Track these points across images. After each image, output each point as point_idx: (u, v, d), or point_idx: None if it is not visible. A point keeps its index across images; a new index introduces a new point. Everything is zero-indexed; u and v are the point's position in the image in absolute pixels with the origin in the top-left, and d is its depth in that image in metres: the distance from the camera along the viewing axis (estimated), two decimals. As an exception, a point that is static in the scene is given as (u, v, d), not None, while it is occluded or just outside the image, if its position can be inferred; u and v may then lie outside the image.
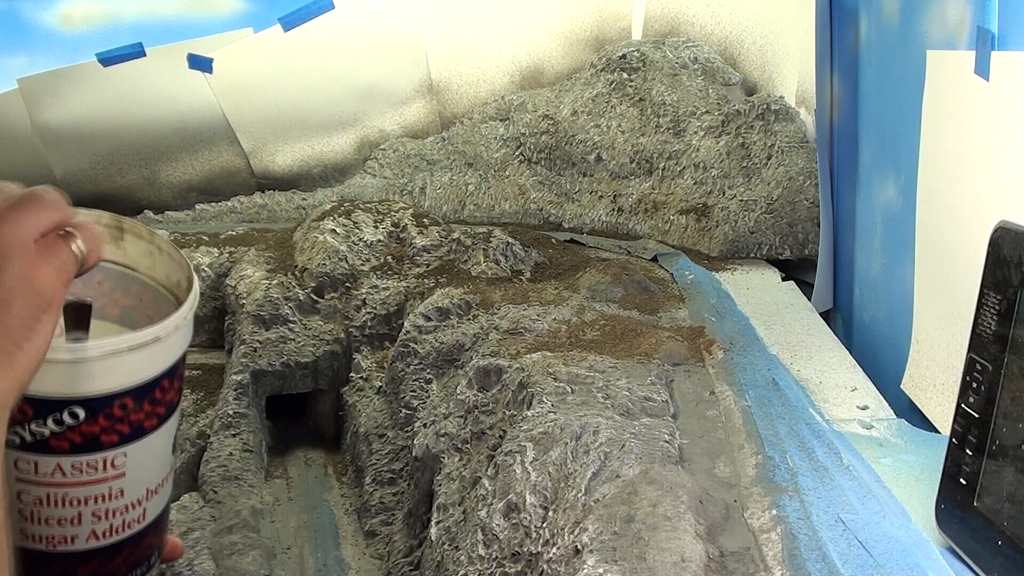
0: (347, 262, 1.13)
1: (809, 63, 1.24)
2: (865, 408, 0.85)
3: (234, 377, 1.08)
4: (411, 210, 1.22)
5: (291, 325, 1.09)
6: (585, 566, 0.52)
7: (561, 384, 0.80)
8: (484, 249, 1.16)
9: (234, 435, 1.09)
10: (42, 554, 0.53)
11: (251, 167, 1.38)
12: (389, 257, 1.16)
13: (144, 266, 0.59)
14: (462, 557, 0.72)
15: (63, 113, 1.32)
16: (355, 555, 1.07)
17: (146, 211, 1.41)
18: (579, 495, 0.62)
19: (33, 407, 0.49)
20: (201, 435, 1.11)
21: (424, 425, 0.98)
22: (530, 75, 1.40)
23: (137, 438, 0.52)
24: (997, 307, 0.56)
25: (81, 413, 0.50)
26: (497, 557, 0.63)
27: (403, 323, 1.08)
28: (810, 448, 0.69)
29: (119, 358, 0.49)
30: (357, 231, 1.17)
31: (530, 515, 0.65)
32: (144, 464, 0.54)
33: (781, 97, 1.32)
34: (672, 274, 1.16)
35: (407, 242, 1.17)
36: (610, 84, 1.36)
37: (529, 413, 0.77)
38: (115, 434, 0.51)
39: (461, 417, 0.91)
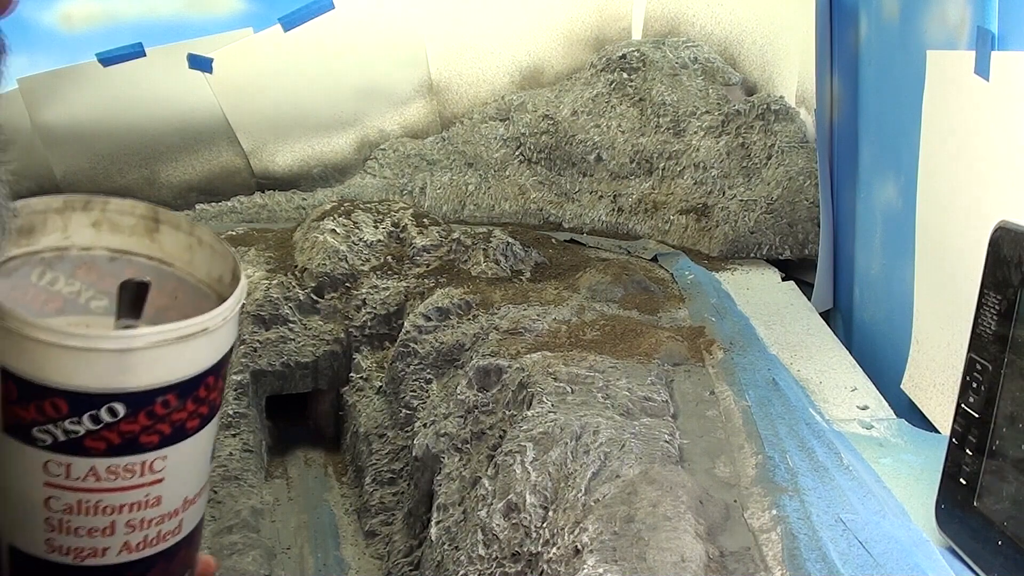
0: (347, 262, 1.13)
1: (809, 63, 1.24)
2: (865, 408, 0.85)
3: (234, 377, 1.08)
4: (411, 210, 1.22)
5: (291, 325, 1.09)
6: (585, 566, 0.52)
7: (561, 384, 0.80)
8: (484, 249, 1.16)
9: (234, 435, 1.09)
10: (67, 568, 0.48)
11: (251, 167, 1.38)
12: (389, 257, 1.16)
13: (182, 261, 0.54)
14: (462, 557, 0.72)
15: (63, 113, 1.32)
16: (355, 555, 1.07)
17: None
18: (579, 495, 0.62)
19: (68, 402, 0.44)
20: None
21: (424, 425, 0.98)
22: (530, 75, 1.40)
23: (178, 440, 0.47)
24: (997, 307, 0.56)
25: (121, 410, 0.45)
26: (497, 557, 0.63)
27: (403, 323, 1.08)
28: (810, 448, 0.69)
29: (165, 349, 0.44)
30: (357, 231, 1.17)
31: (530, 515, 0.65)
32: (184, 469, 0.48)
33: (781, 97, 1.32)
34: (672, 274, 1.16)
35: (407, 242, 1.17)
36: (610, 84, 1.36)
37: (529, 413, 0.77)
38: (155, 434, 0.46)
39: (461, 417, 0.91)
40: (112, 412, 0.45)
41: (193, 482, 0.49)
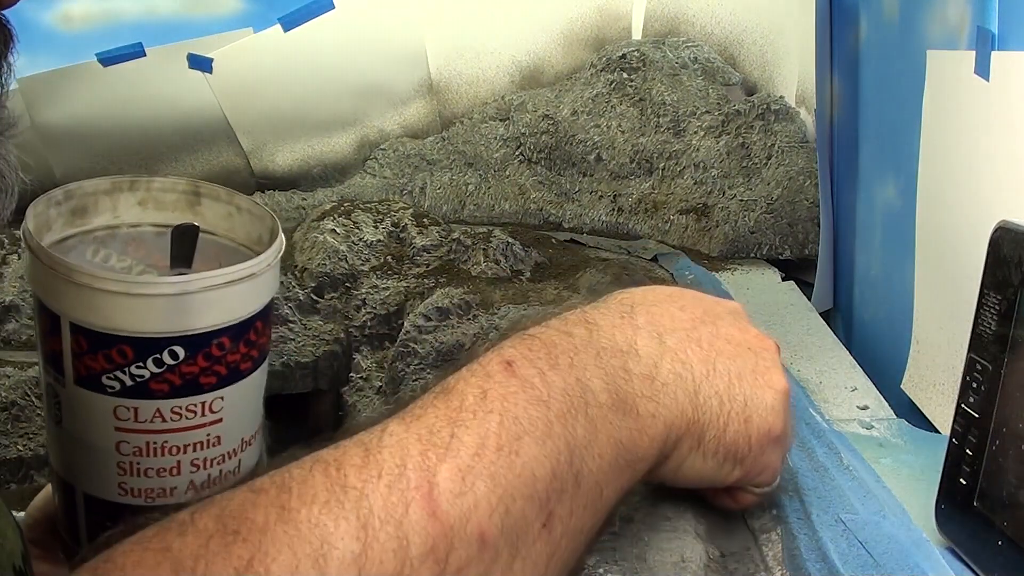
0: (347, 262, 1.13)
1: (809, 63, 1.24)
2: (865, 408, 0.85)
3: (234, 377, 1.08)
4: (411, 210, 1.22)
5: (291, 325, 1.09)
6: (585, 566, 0.52)
7: (561, 384, 0.80)
8: (484, 249, 1.16)
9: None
10: (139, 508, 0.53)
11: (251, 167, 1.37)
12: (389, 257, 1.16)
13: (223, 228, 0.60)
14: (462, 557, 0.72)
15: (63, 113, 1.32)
16: (355, 555, 1.07)
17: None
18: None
19: (134, 348, 0.50)
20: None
21: (424, 425, 0.97)
22: (530, 75, 1.40)
23: (234, 381, 0.53)
24: (997, 307, 0.56)
25: (181, 352, 0.50)
26: (497, 557, 0.63)
27: (403, 323, 1.08)
28: (810, 448, 0.69)
29: (217, 292, 0.50)
30: (357, 231, 1.17)
31: (530, 515, 0.64)
32: (240, 410, 0.54)
33: (781, 97, 1.32)
34: (672, 274, 1.16)
35: (407, 242, 1.17)
36: (610, 84, 1.36)
37: (529, 413, 0.77)
38: (213, 375, 0.52)
39: (461, 417, 0.91)
40: (173, 355, 0.50)
41: (248, 423, 0.55)
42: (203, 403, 0.52)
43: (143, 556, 0.34)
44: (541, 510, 0.39)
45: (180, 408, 0.51)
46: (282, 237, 0.55)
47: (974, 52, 0.74)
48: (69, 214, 0.56)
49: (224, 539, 0.34)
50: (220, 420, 0.53)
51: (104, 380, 0.50)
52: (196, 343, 0.50)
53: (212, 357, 0.51)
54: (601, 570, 0.51)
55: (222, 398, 0.52)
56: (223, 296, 0.50)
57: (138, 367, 0.49)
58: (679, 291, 0.53)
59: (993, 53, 0.72)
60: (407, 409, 0.41)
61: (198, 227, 0.58)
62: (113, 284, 0.48)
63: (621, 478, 0.44)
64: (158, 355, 0.49)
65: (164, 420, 0.51)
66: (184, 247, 0.58)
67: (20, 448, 0.84)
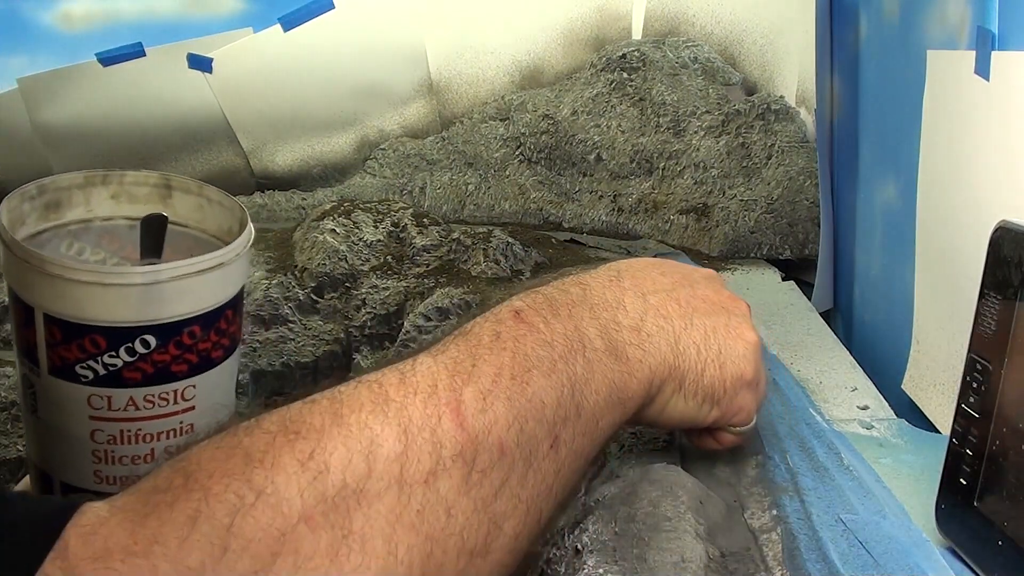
0: (347, 262, 1.13)
1: (809, 63, 1.24)
2: (865, 408, 0.85)
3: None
4: (411, 210, 1.22)
5: (291, 325, 1.09)
6: (585, 566, 0.52)
7: (561, 384, 0.80)
8: (484, 249, 1.16)
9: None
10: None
11: (251, 167, 1.37)
12: (389, 257, 1.16)
13: (194, 220, 0.60)
14: (462, 557, 0.72)
15: (63, 113, 1.32)
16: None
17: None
18: (579, 495, 0.62)
19: (106, 337, 0.50)
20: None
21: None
22: (530, 75, 1.40)
23: (205, 369, 0.54)
24: (997, 307, 0.56)
25: (153, 341, 0.51)
26: (497, 557, 0.63)
27: (403, 323, 1.08)
28: (810, 448, 0.69)
29: (187, 282, 0.51)
30: (357, 231, 1.17)
31: (530, 515, 0.65)
32: (212, 398, 0.55)
33: (781, 97, 1.32)
34: (672, 274, 1.16)
35: (407, 242, 1.17)
36: (610, 84, 1.36)
37: (529, 413, 0.77)
38: (185, 364, 0.53)
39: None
40: (145, 344, 0.51)
41: (222, 411, 0.57)
42: (175, 391, 0.52)
43: (216, 452, 0.40)
44: (549, 433, 0.47)
45: (153, 396, 0.52)
46: (251, 228, 0.56)
47: (974, 52, 0.74)
48: (43, 208, 0.57)
49: (287, 437, 0.40)
50: (192, 408, 0.53)
51: (78, 369, 0.50)
52: (167, 332, 0.51)
53: (183, 346, 0.52)
54: (601, 570, 0.51)
55: (194, 386, 0.53)
56: (193, 285, 0.51)
57: (111, 356, 0.50)
58: (660, 260, 0.61)
59: (993, 53, 0.72)
60: (433, 346, 0.48)
61: (166, 217, 0.58)
62: (85, 275, 0.49)
63: (614, 413, 0.52)
64: (130, 344, 0.50)
65: (137, 408, 0.52)
66: (153, 237, 0.58)
67: (20, 448, 0.84)
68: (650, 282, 0.57)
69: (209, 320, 0.53)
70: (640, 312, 0.55)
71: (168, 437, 0.54)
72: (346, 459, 0.40)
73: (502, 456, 0.44)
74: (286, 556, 0.37)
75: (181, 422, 0.54)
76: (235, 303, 0.55)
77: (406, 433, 0.41)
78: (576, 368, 0.49)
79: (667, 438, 0.71)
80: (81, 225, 0.59)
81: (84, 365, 0.51)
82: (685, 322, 0.56)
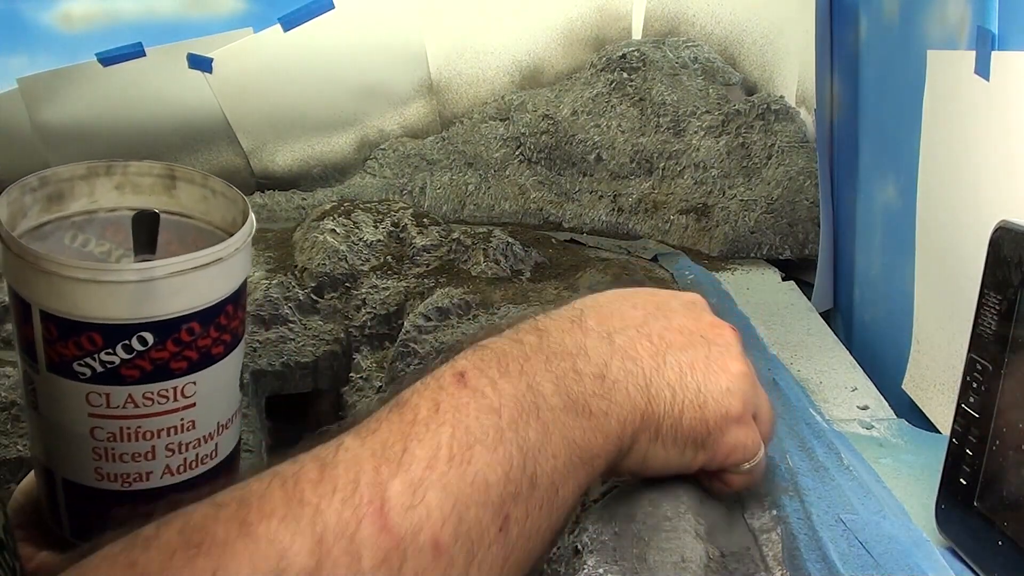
0: (347, 262, 1.13)
1: (809, 63, 1.24)
2: (865, 408, 0.85)
3: (234, 377, 1.08)
4: (411, 210, 1.22)
5: (291, 325, 1.09)
6: (585, 566, 0.52)
7: (561, 384, 0.80)
8: (484, 249, 1.16)
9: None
10: (116, 493, 0.53)
11: (251, 167, 1.38)
12: (389, 257, 1.16)
13: (199, 211, 0.60)
14: (462, 557, 0.72)
15: (63, 113, 1.32)
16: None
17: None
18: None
19: (102, 334, 0.50)
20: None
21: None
22: (530, 75, 1.40)
23: (206, 366, 0.53)
24: (997, 307, 0.56)
25: (150, 338, 0.50)
26: (497, 557, 0.63)
27: (403, 323, 1.08)
28: (810, 448, 0.69)
29: (184, 277, 0.51)
30: (357, 231, 1.17)
31: (530, 515, 0.65)
32: (213, 395, 0.55)
33: (781, 97, 1.32)
34: (672, 274, 1.16)
35: (407, 242, 1.17)
36: (610, 84, 1.36)
37: (529, 413, 0.77)
38: (184, 360, 0.52)
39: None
40: (142, 341, 0.50)
41: (224, 408, 0.56)
42: (175, 388, 0.52)
43: (111, 571, 0.35)
44: (496, 515, 0.41)
45: (152, 393, 0.51)
46: (252, 220, 0.55)
47: (974, 52, 0.74)
48: (45, 200, 0.57)
49: (187, 553, 0.35)
50: (193, 405, 0.53)
51: (75, 367, 0.50)
52: (165, 329, 0.50)
53: (182, 342, 0.51)
54: (601, 570, 0.51)
55: (194, 383, 0.52)
56: (190, 281, 0.50)
57: (107, 354, 0.50)
58: (633, 290, 0.55)
59: (993, 53, 0.72)
60: (363, 423, 0.42)
61: (158, 214, 0.58)
62: (79, 272, 0.49)
63: (577, 476, 0.46)
64: (127, 341, 0.50)
65: (136, 405, 0.51)
66: (145, 233, 0.58)
67: (20, 448, 0.84)
68: (618, 319, 0.52)
69: (208, 316, 0.52)
70: (605, 357, 0.49)
71: (169, 434, 0.54)
72: None
73: (437, 556, 0.39)
74: None
75: (182, 419, 0.53)
76: (236, 298, 0.54)
77: (320, 544, 0.36)
78: (529, 433, 0.44)
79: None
80: (85, 216, 0.59)
81: (81, 362, 0.50)
82: (658, 361, 0.51)
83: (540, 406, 0.45)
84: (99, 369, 0.50)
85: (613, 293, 0.55)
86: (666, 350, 0.52)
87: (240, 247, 0.53)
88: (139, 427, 0.52)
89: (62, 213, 0.58)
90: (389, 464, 0.40)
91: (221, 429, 0.55)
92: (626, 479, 0.58)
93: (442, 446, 0.41)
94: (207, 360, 0.53)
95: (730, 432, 0.53)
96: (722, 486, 0.57)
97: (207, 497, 0.38)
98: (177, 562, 0.35)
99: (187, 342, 0.51)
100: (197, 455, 0.54)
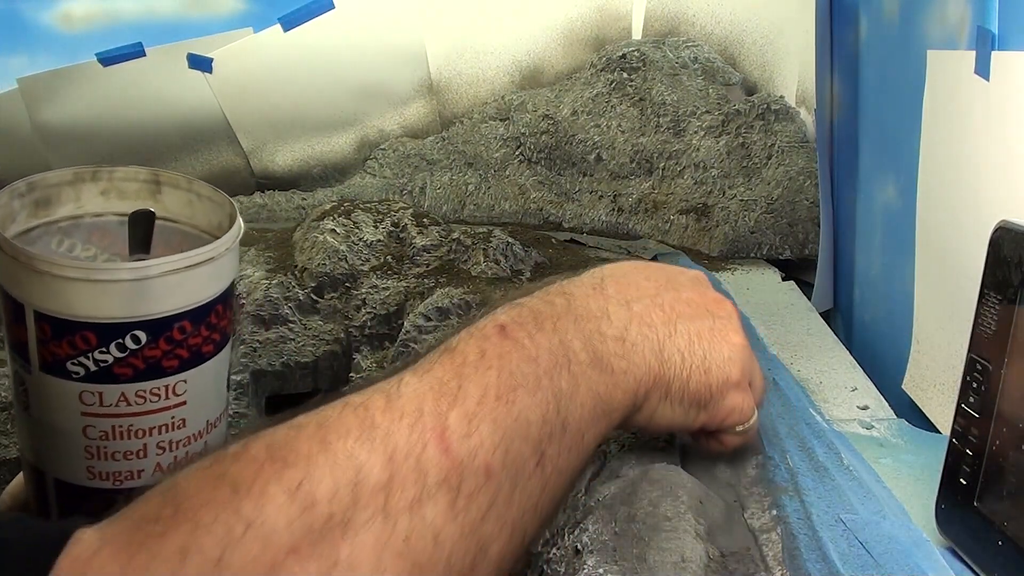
0: (347, 262, 1.13)
1: (809, 63, 1.24)
2: (865, 408, 0.85)
3: (234, 377, 1.08)
4: (411, 210, 1.22)
5: (291, 325, 1.09)
6: (585, 566, 0.52)
7: (561, 384, 0.79)
8: (484, 249, 1.16)
9: (234, 435, 1.09)
10: (107, 492, 0.54)
11: (251, 167, 1.37)
12: (389, 257, 1.16)
13: (184, 215, 0.60)
14: (462, 557, 0.72)
15: (63, 113, 1.32)
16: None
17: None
18: (579, 495, 0.62)
19: (96, 333, 0.50)
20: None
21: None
22: (530, 75, 1.40)
23: (196, 364, 0.54)
24: (997, 307, 0.56)
25: (143, 336, 0.51)
26: (497, 557, 0.63)
27: (403, 323, 1.08)
28: (810, 448, 0.69)
29: (176, 276, 0.51)
30: (357, 231, 1.17)
31: (530, 515, 0.65)
32: (203, 393, 0.55)
33: (781, 97, 1.32)
34: (672, 274, 1.16)
35: (407, 242, 1.17)
36: (610, 84, 1.36)
37: (529, 413, 0.77)
38: (176, 359, 0.53)
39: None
40: (135, 339, 0.51)
41: (213, 406, 0.56)
42: (166, 386, 0.53)
43: (204, 481, 0.40)
44: (535, 451, 0.47)
45: (144, 392, 0.52)
46: (240, 222, 0.56)
47: (974, 52, 0.74)
48: (33, 205, 0.57)
49: (274, 465, 0.40)
50: (184, 403, 0.53)
51: (69, 366, 0.50)
52: (157, 327, 0.51)
53: (174, 341, 0.52)
54: (601, 570, 0.51)
55: (185, 381, 0.53)
56: (182, 280, 0.51)
57: (101, 352, 0.50)
58: (645, 263, 0.61)
59: (993, 53, 0.72)
60: (417, 364, 0.48)
61: (154, 213, 0.58)
62: (74, 271, 0.49)
63: (599, 425, 0.52)
64: (120, 340, 0.50)
65: (129, 404, 0.52)
66: (141, 233, 0.58)
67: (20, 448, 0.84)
68: (634, 289, 0.57)
69: (199, 315, 0.53)
70: (624, 322, 0.55)
71: (160, 432, 0.54)
72: (333, 489, 0.40)
73: (488, 479, 0.44)
74: None
75: (173, 417, 0.54)
76: (225, 298, 0.55)
77: (392, 461, 0.41)
78: (561, 383, 0.49)
79: (667, 438, 0.71)
80: (71, 221, 0.59)
81: (75, 361, 0.51)
82: (669, 329, 0.56)
83: (571, 360, 0.50)
84: (92, 368, 0.50)
85: (628, 264, 0.60)
86: (676, 319, 0.57)
87: (230, 247, 0.54)
88: (131, 425, 0.52)
89: (49, 218, 0.58)
90: (447, 398, 0.45)
91: (210, 427, 0.56)
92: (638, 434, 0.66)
93: (490, 386, 0.46)
94: (198, 359, 0.53)
95: (729, 396, 0.59)
96: (718, 445, 0.63)
97: (284, 421, 0.43)
98: (266, 472, 0.39)
99: (179, 340, 0.52)
100: (187, 453, 0.55)
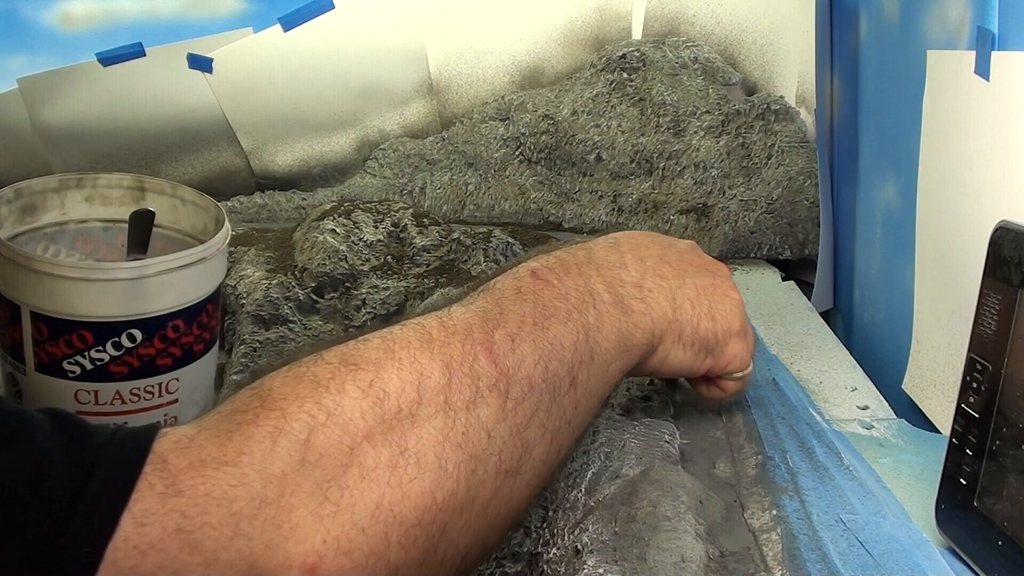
0: (347, 262, 1.13)
1: (809, 63, 1.24)
2: (865, 408, 0.85)
3: (234, 377, 1.07)
4: (411, 210, 1.22)
5: (291, 325, 1.09)
6: (585, 566, 0.52)
7: (561, 384, 0.80)
8: (484, 249, 1.16)
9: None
10: None
11: (251, 167, 1.38)
12: (389, 257, 1.16)
13: (168, 220, 0.62)
14: (462, 557, 0.72)
15: (63, 113, 1.32)
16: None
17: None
18: (579, 495, 0.62)
19: (93, 332, 0.51)
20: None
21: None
22: (530, 75, 1.40)
23: (188, 362, 0.55)
24: (997, 307, 0.56)
25: (139, 335, 0.52)
26: (497, 557, 0.63)
27: (403, 323, 1.08)
28: (810, 448, 0.69)
29: (171, 276, 0.53)
30: (357, 231, 1.17)
31: (530, 516, 0.65)
32: (194, 391, 0.57)
33: (781, 97, 1.32)
34: (672, 274, 1.16)
35: (407, 242, 1.17)
36: (610, 84, 1.36)
37: (529, 413, 0.77)
38: (169, 357, 0.54)
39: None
40: (131, 338, 0.52)
41: (203, 405, 0.57)
42: (160, 384, 0.53)
43: (287, 379, 0.46)
44: (568, 372, 0.53)
45: (138, 390, 0.53)
46: (228, 224, 0.57)
47: (974, 52, 0.75)
48: (20, 212, 0.58)
49: (348, 367, 0.46)
50: (176, 401, 0.54)
51: (65, 365, 0.51)
52: (152, 326, 0.52)
53: (167, 339, 0.53)
54: (601, 570, 0.51)
55: (178, 379, 0.54)
56: (177, 280, 0.52)
57: (98, 351, 0.51)
58: (647, 232, 0.69)
59: (993, 53, 0.72)
60: (461, 300, 0.55)
61: (153, 213, 0.59)
62: (72, 271, 0.50)
63: (622, 359, 0.58)
64: (117, 339, 0.51)
65: (123, 402, 0.53)
66: (140, 232, 0.59)
67: (20, 448, 0.84)
68: (644, 248, 0.64)
69: (191, 314, 0.54)
70: (640, 271, 0.61)
71: None
72: (400, 387, 0.46)
73: (531, 389, 0.50)
74: (353, 468, 0.43)
75: (166, 415, 0.55)
76: (215, 298, 0.56)
77: (448, 367, 0.48)
78: (588, 318, 0.55)
79: (667, 438, 0.71)
80: (56, 228, 0.60)
81: (71, 361, 0.52)
82: (679, 281, 0.63)
83: (596, 299, 0.57)
84: (89, 367, 0.51)
85: (634, 232, 0.68)
86: (683, 274, 0.63)
87: (221, 248, 0.55)
88: (125, 423, 0.53)
89: (35, 224, 0.59)
90: (491, 321, 0.51)
91: None
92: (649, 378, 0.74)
93: (527, 314, 0.53)
94: (189, 357, 0.54)
95: (731, 343, 0.65)
96: (718, 391, 0.70)
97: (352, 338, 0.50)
98: (342, 372, 0.46)
99: (172, 339, 0.53)
100: None
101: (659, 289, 0.61)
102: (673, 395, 0.77)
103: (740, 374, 0.68)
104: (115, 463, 0.39)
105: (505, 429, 0.49)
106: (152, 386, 0.54)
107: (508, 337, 0.51)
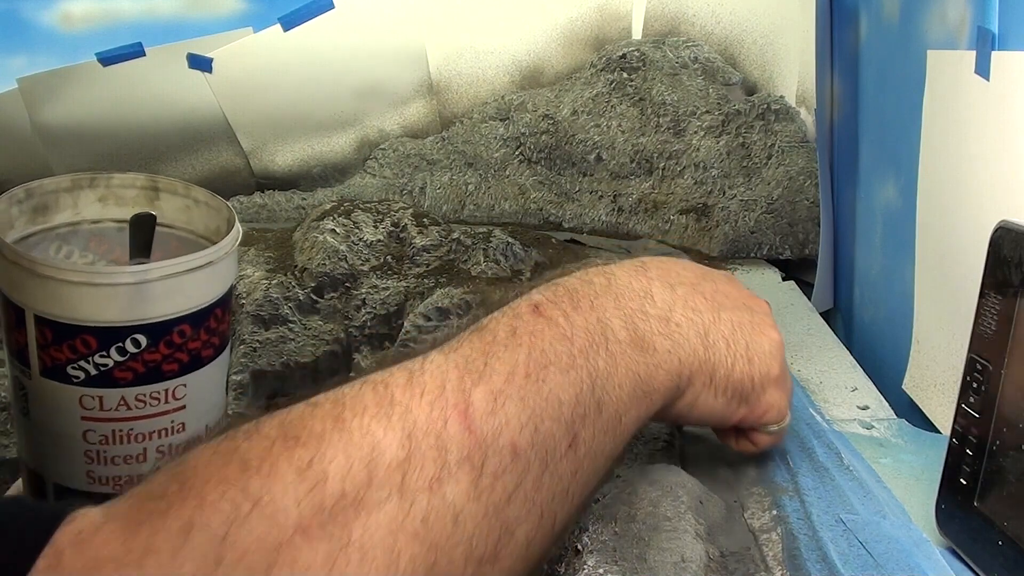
0: (347, 262, 1.13)
1: (809, 63, 1.24)
2: (865, 408, 0.85)
3: (234, 377, 1.08)
4: (411, 210, 1.22)
5: (291, 325, 1.09)
6: (585, 566, 0.52)
7: (561, 384, 0.79)
8: (484, 249, 1.16)
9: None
10: (107, 497, 0.54)
11: (251, 167, 1.37)
12: (389, 257, 1.16)
13: (181, 221, 0.61)
14: (462, 557, 0.72)
15: (63, 113, 1.32)
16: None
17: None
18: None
19: (97, 337, 0.51)
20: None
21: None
22: (530, 75, 1.40)
23: (196, 368, 0.54)
24: (997, 307, 0.56)
25: (143, 340, 0.52)
26: (497, 557, 0.63)
27: (403, 323, 1.08)
28: (810, 448, 0.69)
29: (176, 280, 0.52)
30: (357, 231, 1.17)
31: (530, 515, 0.65)
32: (203, 397, 0.56)
33: (781, 97, 1.32)
34: (672, 274, 1.16)
35: (407, 242, 1.17)
36: (610, 84, 1.36)
37: (529, 413, 0.77)
38: (175, 363, 0.53)
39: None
40: (136, 343, 0.51)
41: (212, 410, 0.57)
42: (166, 390, 0.53)
43: (213, 458, 0.39)
44: (567, 432, 0.45)
45: (144, 396, 0.52)
46: (239, 227, 0.56)
47: (974, 52, 0.74)
48: (31, 212, 0.57)
49: (286, 443, 0.39)
50: (183, 407, 0.54)
51: (69, 370, 0.51)
52: (158, 331, 0.51)
53: (173, 344, 0.52)
54: (601, 570, 0.51)
55: (185, 385, 0.53)
56: (182, 284, 0.51)
57: (102, 356, 0.50)
58: (679, 260, 0.61)
59: (993, 53, 0.72)
60: (445, 344, 0.47)
61: (154, 216, 0.59)
62: (75, 275, 0.49)
63: (639, 408, 0.50)
64: (121, 344, 0.50)
65: (129, 408, 0.52)
66: (142, 237, 0.59)
67: (20, 448, 0.84)
68: (675, 275, 0.56)
69: (199, 319, 0.53)
70: (668, 302, 0.53)
71: (160, 436, 0.54)
72: (346, 467, 0.38)
73: (515, 458, 0.42)
74: (281, 567, 0.36)
75: (172, 421, 0.54)
76: (224, 302, 0.55)
77: (410, 438, 0.40)
78: (598, 362, 0.47)
79: (667, 438, 0.71)
80: (69, 228, 0.60)
81: (75, 366, 0.51)
82: (713, 315, 0.55)
83: (609, 339, 0.49)
84: (93, 372, 0.51)
85: (664, 257, 0.60)
86: (719, 308, 0.56)
87: (229, 251, 0.54)
88: (131, 429, 0.52)
89: (47, 224, 0.59)
90: (472, 375, 0.43)
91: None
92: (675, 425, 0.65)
93: (519, 364, 0.45)
94: (197, 362, 0.53)
95: (769, 391, 0.57)
96: (749, 444, 0.62)
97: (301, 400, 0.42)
98: (277, 449, 0.38)
99: (178, 344, 0.52)
100: None
101: (690, 324, 0.53)
102: None
103: (776, 427, 0.60)
104: (7, 553, 0.34)
105: (478, 509, 0.40)
106: (158, 392, 0.53)
107: (490, 395, 0.43)
